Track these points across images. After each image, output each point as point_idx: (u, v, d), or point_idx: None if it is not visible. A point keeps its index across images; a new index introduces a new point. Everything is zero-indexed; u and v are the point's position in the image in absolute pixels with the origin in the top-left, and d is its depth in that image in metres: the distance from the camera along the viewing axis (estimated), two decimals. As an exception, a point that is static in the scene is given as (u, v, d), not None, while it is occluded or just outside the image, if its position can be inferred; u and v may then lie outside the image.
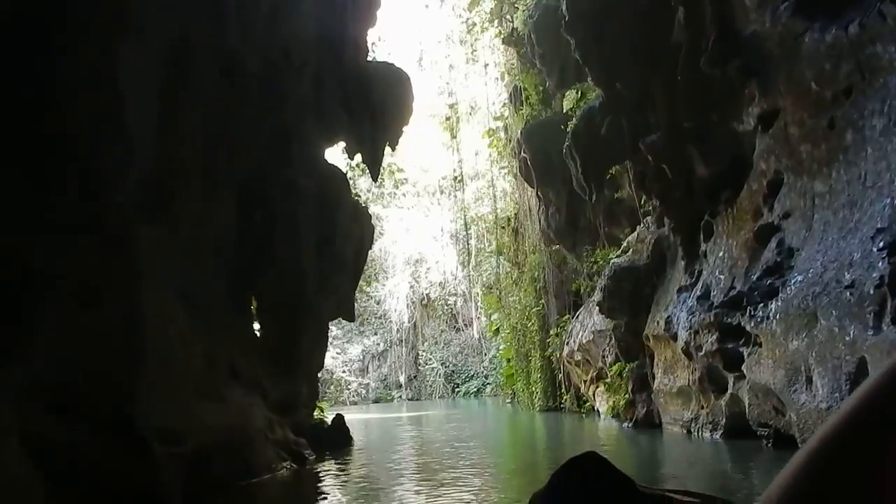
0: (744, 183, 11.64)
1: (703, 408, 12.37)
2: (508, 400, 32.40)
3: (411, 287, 51.96)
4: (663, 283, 14.23)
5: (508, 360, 30.79)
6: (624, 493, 1.02)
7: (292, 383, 14.35)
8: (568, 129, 14.32)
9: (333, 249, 14.59)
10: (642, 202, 17.50)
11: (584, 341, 18.96)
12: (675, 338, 12.92)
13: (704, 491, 1.24)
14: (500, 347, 31.97)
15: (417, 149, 51.55)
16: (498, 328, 32.49)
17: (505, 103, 25.27)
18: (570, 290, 21.21)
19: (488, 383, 46.62)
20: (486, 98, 26.99)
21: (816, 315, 8.65)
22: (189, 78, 9.91)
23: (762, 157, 10.92)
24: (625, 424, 15.09)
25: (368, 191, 56.39)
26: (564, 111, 15.94)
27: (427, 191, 53.14)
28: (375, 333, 52.71)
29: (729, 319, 11.10)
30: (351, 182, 16.56)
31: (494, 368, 43.66)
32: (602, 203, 19.72)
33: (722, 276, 11.89)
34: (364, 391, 51.51)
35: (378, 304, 52.71)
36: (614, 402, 16.17)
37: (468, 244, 33.40)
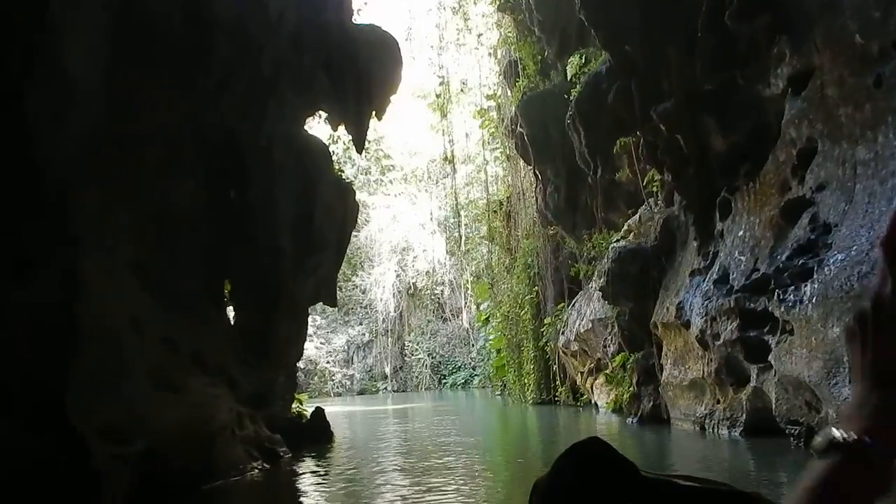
0: (768, 154, 10.50)
1: (719, 402, 11.26)
2: (498, 392, 31.27)
3: (398, 276, 50.72)
4: (673, 266, 13.10)
5: (498, 351, 29.67)
6: (628, 478, 1.01)
7: (267, 373, 13.12)
8: (571, 98, 13.12)
9: (313, 228, 13.34)
10: (645, 182, 16.37)
11: (582, 330, 17.85)
12: (687, 325, 11.81)
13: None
14: (490, 338, 30.82)
15: (404, 132, 50.36)
16: (488, 317, 31.30)
17: (498, 81, 24.01)
18: (567, 277, 20.06)
19: (476, 375, 45.53)
20: (478, 74, 25.76)
21: (862, 298, 7.50)
22: (145, 20, 8.62)
23: (792, 124, 9.76)
24: (628, 420, 13.97)
25: (354, 177, 55.23)
26: (567, 78, 14.74)
27: (415, 175, 51.88)
28: (360, 323, 51.49)
29: (752, 304, 9.98)
30: (335, 164, 15.29)
31: (483, 359, 42.60)
32: (603, 182, 18.59)
33: (742, 258, 10.75)
34: (348, 382, 50.29)
35: (363, 293, 51.47)
36: (616, 395, 15.05)
37: (459, 229, 32.00)
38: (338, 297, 53.16)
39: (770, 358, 9.45)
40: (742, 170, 11.22)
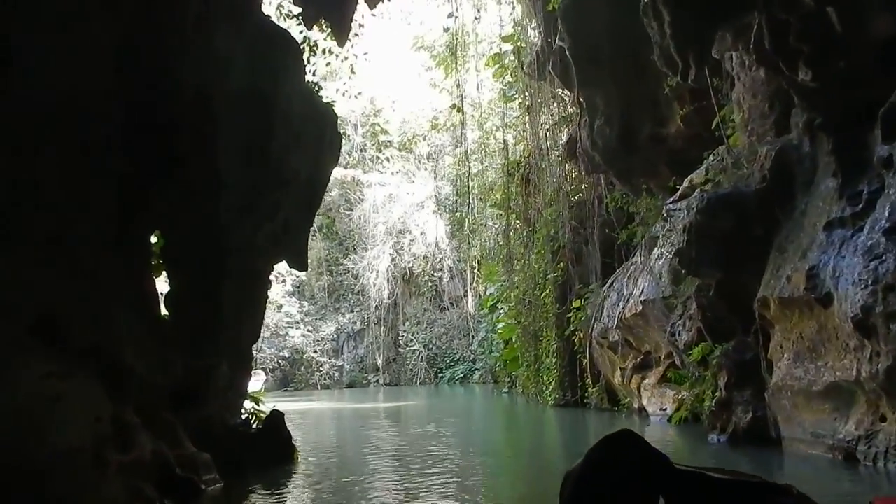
0: None
1: (884, 420, 7.28)
2: (505, 389, 27.20)
3: (392, 260, 46.55)
4: (791, 217, 9.05)
5: (506, 343, 25.67)
6: (660, 469, 1.16)
7: (200, 358, 9.10)
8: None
9: (271, 153, 9.29)
10: (724, 116, 12.44)
11: (628, 315, 13.86)
12: (826, 301, 7.82)
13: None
14: (498, 326, 26.71)
15: (404, 94, 46.56)
16: (496, 302, 27.22)
17: (519, 14, 19.88)
18: (606, 248, 16.11)
19: (476, 369, 41.52)
20: (493, 17, 21.58)
21: None
22: None
23: None
24: (711, 436, 9.96)
25: (349, 154, 51.02)
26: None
27: (413, 144, 47.73)
28: (351, 311, 47.34)
29: (976, 263, 6.00)
30: (310, 74, 11.18)
31: (484, 352, 38.65)
32: (643, 137, 14.54)
33: (942, 191, 6.74)
34: (337, 374, 46.18)
35: (355, 278, 47.33)
36: (688, 401, 11.05)
37: (468, 186, 27.38)
38: (328, 282, 48.08)
39: None
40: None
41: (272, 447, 9.29)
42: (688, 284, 11.04)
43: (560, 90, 19.20)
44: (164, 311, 9.77)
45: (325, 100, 11.06)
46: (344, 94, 13.18)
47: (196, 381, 9.08)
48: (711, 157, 13.33)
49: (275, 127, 9.31)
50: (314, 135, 10.21)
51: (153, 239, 10.14)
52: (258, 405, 11.18)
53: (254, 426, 10.05)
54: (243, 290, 10.02)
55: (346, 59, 12.47)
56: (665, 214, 13.96)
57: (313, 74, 11.12)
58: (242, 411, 10.58)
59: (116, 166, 8.32)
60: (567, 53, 13.11)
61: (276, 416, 9.76)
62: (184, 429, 8.20)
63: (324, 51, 11.49)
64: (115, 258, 8.32)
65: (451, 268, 45.51)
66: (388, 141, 50.32)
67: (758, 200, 9.34)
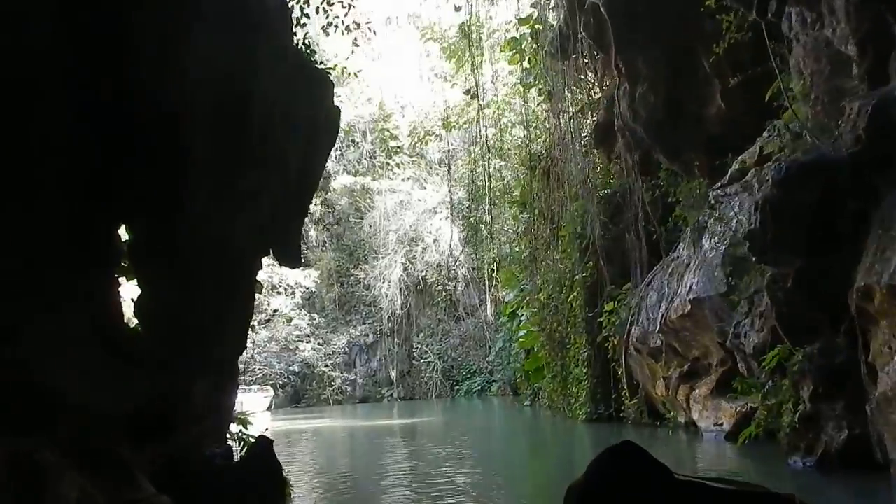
0: None
1: None
2: (527, 402, 25.35)
3: (405, 270, 44.96)
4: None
5: (528, 353, 23.92)
6: (661, 480, 1.13)
7: (173, 376, 7.44)
8: None
9: (248, 124, 7.65)
10: (786, 84, 10.75)
11: (674, 317, 12.12)
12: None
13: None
14: (519, 335, 24.93)
15: (413, 96, 45.35)
16: (515, 309, 25.43)
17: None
18: (649, 240, 14.39)
19: (494, 381, 39.81)
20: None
21: None
22: None
23: None
24: (794, 459, 8.17)
25: (358, 162, 49.55)
26: None
27: (424, 143, 46.21)
28: (363, 323, 45.79)
29: None
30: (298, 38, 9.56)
31: (502, 363, 36.97)
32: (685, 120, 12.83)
33: None
34: (350, 389, 44.58)
35: (367, 289, 45.81)
36: (763, 416, 9.24)
37: (486, 181, 25.44)
38: (339, 293, 46.20)
39: None
40: None
41: (258, 482, 7.59)
42: (754, 276, 9.29)
43: (583, 75, 17.59)
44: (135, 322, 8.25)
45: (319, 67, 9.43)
46: (343, 71, 11.58)
47: (166, 405, 7.43)
48: (766, 133, 11.65)
49: (253, 94, 7.68)
50: (306, 104, 8.57)
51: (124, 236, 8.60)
52: (246, 428, 9.51)
53: (238, 454, 8.37)
54: (225, 291, 8.36)
55: (348, 28, 10.91)
56: (712, 201, 12.29)
57: (305, 37, 9.52)
58: (228, 436, 8.93)
59: (64, 142, 6.75)
60: (602, 10, 11.40)
61: (264, 442, 8.04)
62: (146, 465, 6.56)
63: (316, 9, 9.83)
64: (65, 256, 6.72)
65: (465, 276, 43.87)
66: (398, 146, 48.92)
67: (851, 167, 7.60)
